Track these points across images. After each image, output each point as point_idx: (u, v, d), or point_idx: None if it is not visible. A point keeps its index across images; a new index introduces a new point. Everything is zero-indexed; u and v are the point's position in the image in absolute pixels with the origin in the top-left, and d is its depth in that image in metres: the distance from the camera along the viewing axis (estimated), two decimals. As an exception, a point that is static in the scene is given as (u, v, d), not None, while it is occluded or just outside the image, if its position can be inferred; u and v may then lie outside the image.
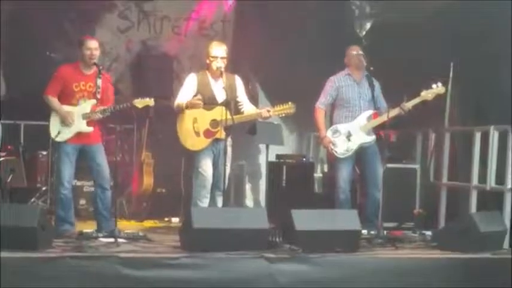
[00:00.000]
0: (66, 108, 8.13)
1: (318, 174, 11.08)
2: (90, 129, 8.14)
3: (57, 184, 8.22)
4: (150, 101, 8.15)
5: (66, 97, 8.16)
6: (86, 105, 8.12)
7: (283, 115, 8.36)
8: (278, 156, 10.10)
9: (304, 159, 10.47)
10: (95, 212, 8.31)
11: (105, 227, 8.04)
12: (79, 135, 8.14)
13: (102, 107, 8.11)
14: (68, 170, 8.13)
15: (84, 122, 8.11)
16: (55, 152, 8.37)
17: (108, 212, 8.17)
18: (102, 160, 8.21)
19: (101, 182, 8.20)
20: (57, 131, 8.10)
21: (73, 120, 8.08)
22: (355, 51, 8.89)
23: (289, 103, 8.22)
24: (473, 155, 9.46)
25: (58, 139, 8.12)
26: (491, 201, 9.16)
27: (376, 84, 8.92)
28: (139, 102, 8.13)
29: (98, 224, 8.17)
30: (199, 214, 7.19)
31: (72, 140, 8.13)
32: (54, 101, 8.16)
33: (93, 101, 8.10)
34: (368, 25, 11.76)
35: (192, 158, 8.42)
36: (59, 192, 8.15)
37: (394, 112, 8.58)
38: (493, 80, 9.38)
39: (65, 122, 8.08)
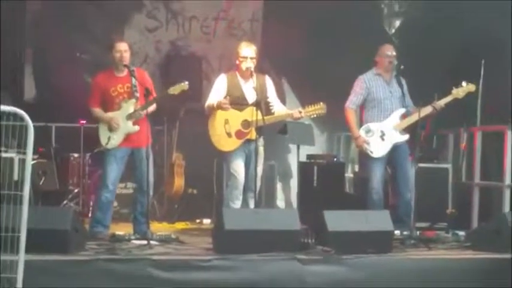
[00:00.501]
0: (109, 114, 8.15)
1: (348, 175, 11.02)
2: (137, 128, 8.10)
3: (101, 186, 8.19)
4: (184, 85, 8.06)
5: (108, 104, 8.20)
6: (128, 106, 8.11)
7: (315, 116, 8.29)
8: (309, 157, 10.03)
9: (335, 159, 10.40)
10: (133, 215, 8.32)
11: (138, 230, 8.05)
12: (128, 138, 8.13)
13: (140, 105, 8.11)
14: (113, 173, 8.12)
15: (130, 122, 8.11)
16: (103, 155, 8.33)
17: (144, 216, 8.14)
18: (150, 164, 8.05)
19: (144, 186, 8.06)
20: (107, 138, 8.12)
21: (118, 124, 8.08)
22: (388, 51, 8.79)
23: (321, 103, 8.15)
24: (506, 153, 9.38)
25: (109, 146, 8.13)
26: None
27: (404, 82, 8.87)
28: (174, 89, 8.06)
29: (133, 228, 8.19)
30: (231, 215, 7.16)
31: (122, 144, 8.14)
32: (97, 111, 8.23)
33: (133, 100, 8.10)
34: (397, 23, 11.72)
35: (223, 159, 8.41)
36: (101, 194, 8.13)
37: (427, 110, 8.51)
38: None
39: (111, 127, 8.10)
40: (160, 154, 10.55)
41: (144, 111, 8.03)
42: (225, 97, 8.25)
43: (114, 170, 8.12)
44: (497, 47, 9.47)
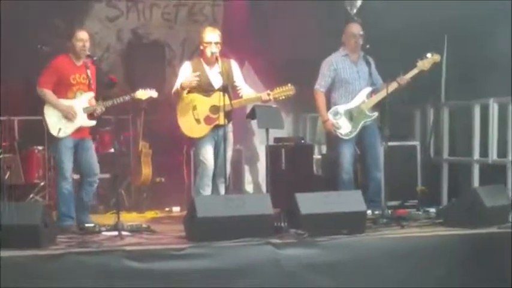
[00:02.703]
0: (65, 102, 7.95)
1: (315, 156, 10.98)
2: (93, 122, 8.02)
3: (60, 179, 8.02)
4: (153, 93, 8.03)
5: (63, 90, 7.96)
6: (84, 98, 7.98)
7: (283, 97, 8.19)
8: (276, 140, 9.97)
9: (302, 141, 10.35)
10: (77, 203, 8.14)
11: (85, 220, 7.98)
12: (78, 129, 7.98)
13: (104, 101, 7.99)
14: (69, 164, 7.98)
15: (85, 115, 7.98)
16: (54, 146, 8.16)
17: (89, 205, 8.18)
18: (94, 153, 8.15)
19: (91, 175, 8.09)
20: (58, 127, 7.90)
21: (75, 114, 7.92)
22: (355, 30, 8.77)
23: (289, 85, 8.06)
24: (474, 128, 9.39)
25: (61, 135, 7.91)
26: (493, 174, 9.09)
27: (371, 61, 8.83)
28: (142, 94, 8.00)
29: (77, 216, 8.05)
30: (203, 203, 7.08)
31: (72, 134, 7.98)
32: (50, 94, 7.94)
33: (91, 94, 8.00)
34: (359, 3, 11.65)
35: (193, 145, 8.33)
36: (61, 187, 7.98)
37: (393, 86, 8.47)
38: (489, 51, 9.27)
39: (67, 116, 7.90)
40: (126, 144, 10.47)
41: (104, 108, 7.98)
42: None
43: (69, 162, 7.99)
44: (462, 19, 9.44)
